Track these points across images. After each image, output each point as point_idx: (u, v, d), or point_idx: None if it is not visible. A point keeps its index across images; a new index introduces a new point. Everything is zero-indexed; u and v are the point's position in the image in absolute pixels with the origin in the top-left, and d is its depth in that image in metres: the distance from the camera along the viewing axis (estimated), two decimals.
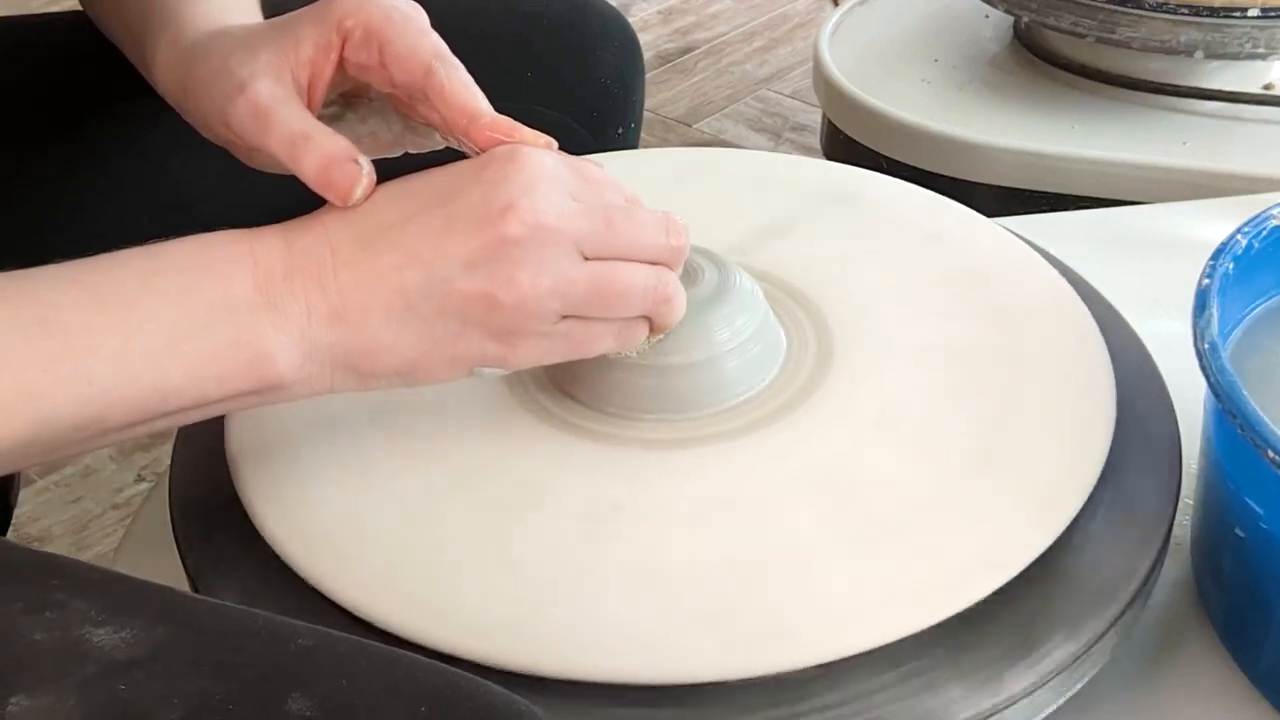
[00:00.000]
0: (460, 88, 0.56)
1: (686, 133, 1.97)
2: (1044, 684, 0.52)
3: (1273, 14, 1.05)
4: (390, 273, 0.51)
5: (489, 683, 0.43)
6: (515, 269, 0.51)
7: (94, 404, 0.48)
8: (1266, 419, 0.50)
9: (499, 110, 0.57)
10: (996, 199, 1.11)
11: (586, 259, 0.53)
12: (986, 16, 1.29)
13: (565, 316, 0.54)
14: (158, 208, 0.81)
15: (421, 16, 0.57)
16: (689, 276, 0.62)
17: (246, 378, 0.50)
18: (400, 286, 0.51)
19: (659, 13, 2.31)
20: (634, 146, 0.92)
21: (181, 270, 0.51)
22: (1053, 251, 0.72)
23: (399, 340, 0.52)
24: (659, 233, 0.55)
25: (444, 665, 0.44)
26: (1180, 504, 0.59)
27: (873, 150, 1.19)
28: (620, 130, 0.91)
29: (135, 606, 0.44)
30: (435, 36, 0.57)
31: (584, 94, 0.88)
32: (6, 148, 0.77)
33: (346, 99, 0.62)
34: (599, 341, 0.56)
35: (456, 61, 0.56)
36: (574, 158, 0.56)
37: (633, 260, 0.54)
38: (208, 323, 0.50)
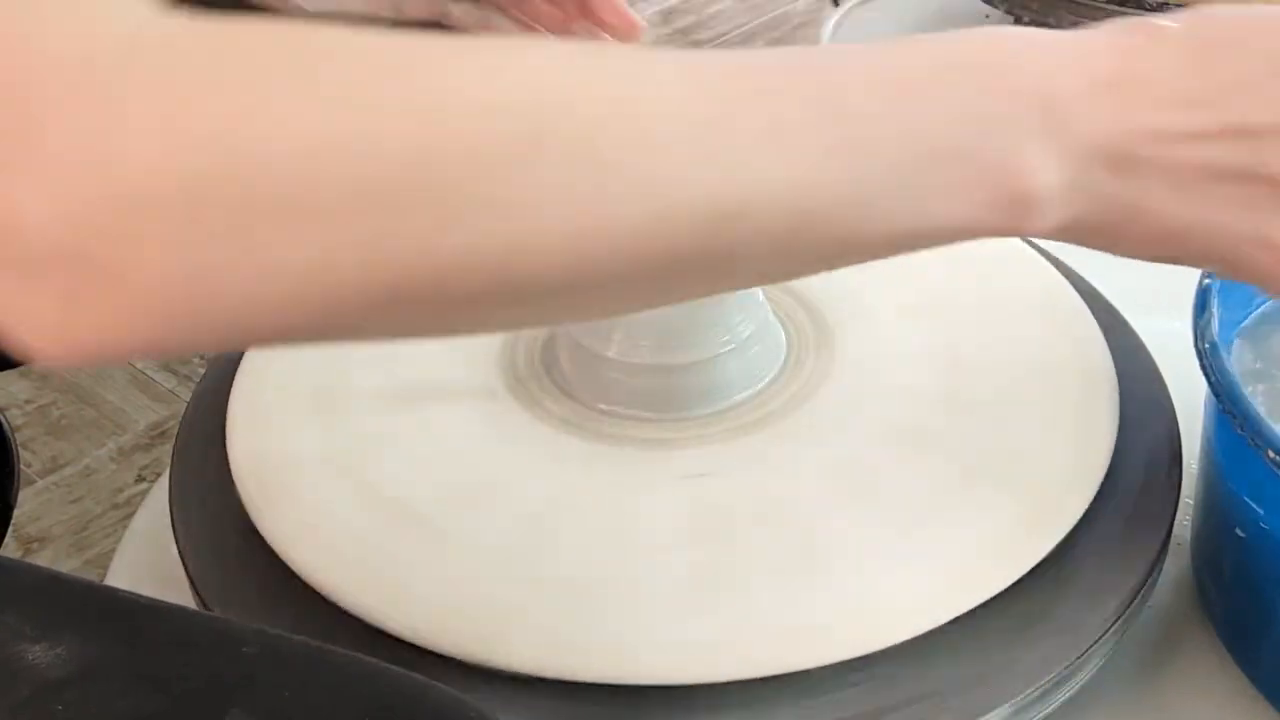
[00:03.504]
0: None
1: None
2: (1044, 684, 0.52)
3: None
4: (1205, 143, 0.40)
5: (439, 684, 0.42)
6: None
7: (853, 211, 0.38)
8: (1266, 419, 0.50)
9: None
10: None
11: None
12: (986, 16, 1.29)
13: None
14: None
15: None
16: None
17: (996, 208, 0.40)
18: (1209, 160, 0.41)
19: (659, 13, 2.31)
20: None
21: (979, 69, 0.40)
22: (1053, 251, 0.72)
23: (1174, 214, 0.41)
24: None
25: (393, 668, 0.43)
26: (1180, 504, 0.59)
27: None
28: None
29: (72, 618, 0.42)
30: None
31: None
32: None
33: None
34: None
35: None
36: None
37: None
38: (988, 137, 0.39)
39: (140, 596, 0.45)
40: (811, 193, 0.37)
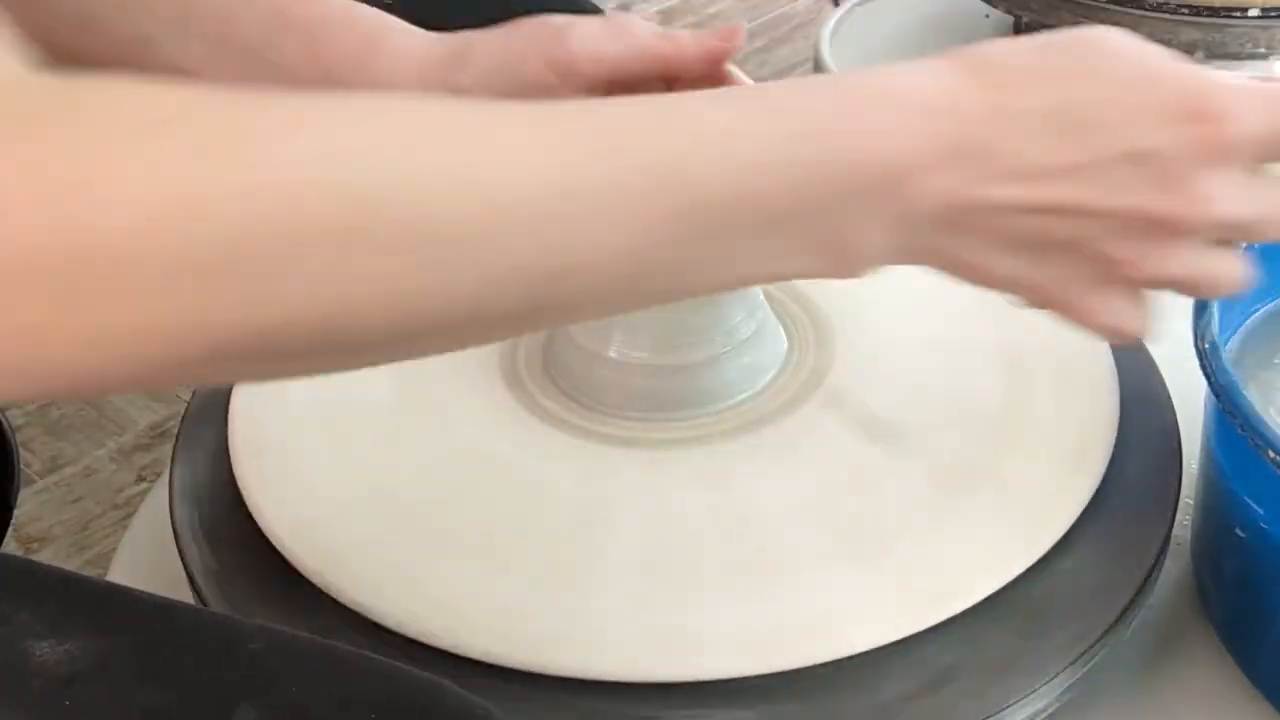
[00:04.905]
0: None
1: None
2: (1044, 684, 0.52)
3: (1273, 14, 1.04)
4: (1035, 216, 0.41)
5: (448, 683, 0.42)
6: (1165, 260, 0.43)
7: (675, 273, 0.40)
8: (1266, 419, 0.50)
9: None
10: None
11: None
12: (987, 16, 1.29)
13: None
14: None
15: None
16: None
17: (822, 266, 0.41)
18: (1035, 229, 0.42)
19: (659, 13, 2.30)
20: None
21: (822, 138, 0.40)
22: None
23: (995, 269, 0.43)
24: None
25: (400, 665, 0.43)
26: (1180, 504, 0.59)
27: None
28: None
29: (81, 615, 0.43)
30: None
31: None
32: None
33: None
34: None
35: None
36: None
37: None
38: (826, 209, 0.40)
39: (148, 594, 0.46)
40: (641, 258, 0.38)
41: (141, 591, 0.46)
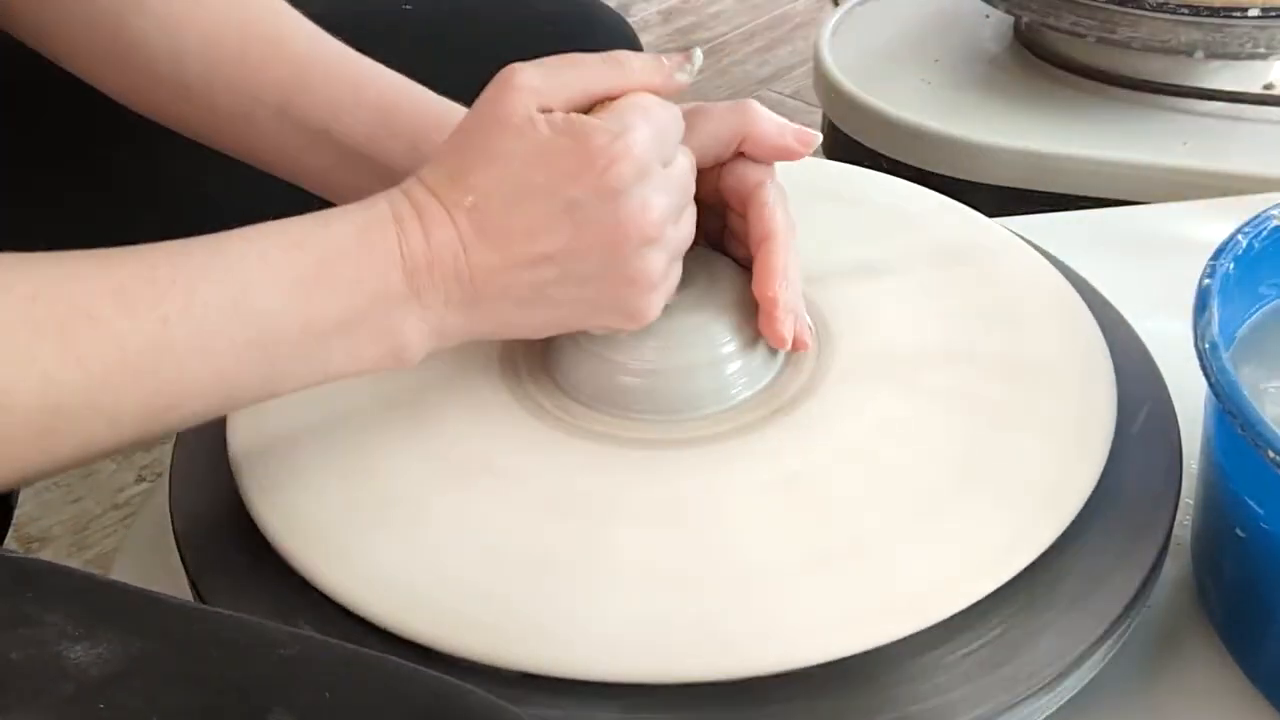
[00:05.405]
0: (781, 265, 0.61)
1: None
2: (1044, 684, 0.52)
3: (1273, 14, 1.05)
4: (523, 273, 0.54)
5: (475, 689, 0.42)
6: (646, 262, 0.55)
7: (269, 381, 0.53)
8: (1266, 419, 0.50)
9: None
10: (996, 199, 1.11)
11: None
12: (987, 16, 1.29)
13: None
14: (166, 213, 0.80)
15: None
16: (686, 277, 0.62)
17: (383, 358, 0.54)
18: (534, 281, 0.55)
19: (659, 13, 2.31)
20: None
21: (348, 258, 0.53)
22: (1053, 251, 0.72)
23: (528, 320, 0.57)
24: None
25: (429, 671, 0.43)
26: (1180, 504, 0.59)
27: (873, 150, 1.19)
28: None
29: (112, 618, 0.43)
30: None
31: None
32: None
33: None
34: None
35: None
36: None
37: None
38: (368, 313, 0.53)
39: (177, 598, 0.46)
40: (233, 380, 0.51)
41: (170, 595, 0.46)
